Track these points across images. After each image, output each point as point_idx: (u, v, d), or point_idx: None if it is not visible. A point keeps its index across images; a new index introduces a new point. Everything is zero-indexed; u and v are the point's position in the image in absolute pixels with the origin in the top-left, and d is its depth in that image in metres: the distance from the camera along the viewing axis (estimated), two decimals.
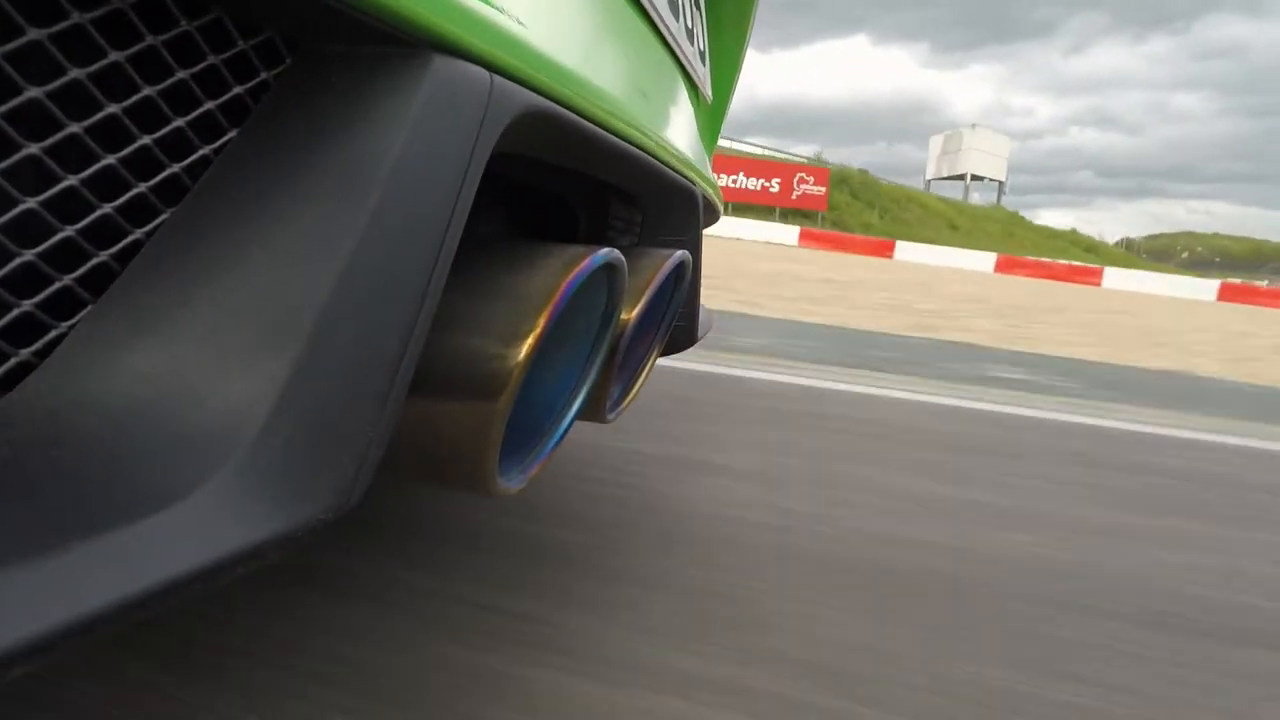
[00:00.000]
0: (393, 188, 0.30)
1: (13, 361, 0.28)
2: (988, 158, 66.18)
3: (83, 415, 0.27)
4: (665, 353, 0.91)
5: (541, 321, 0.41)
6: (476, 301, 0.42)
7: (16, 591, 0.20)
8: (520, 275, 0.43)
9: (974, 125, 66.31)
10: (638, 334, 0.75)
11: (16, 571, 0.20)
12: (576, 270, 0.44)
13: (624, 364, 0.68)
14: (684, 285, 0.76)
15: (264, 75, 0.33)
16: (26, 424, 0.27)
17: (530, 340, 0.40)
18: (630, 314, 0.59)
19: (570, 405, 0.56)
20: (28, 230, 0.27)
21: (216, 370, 0.28)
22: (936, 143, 70.79)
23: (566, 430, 0.55)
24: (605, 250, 0.47)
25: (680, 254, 0.67)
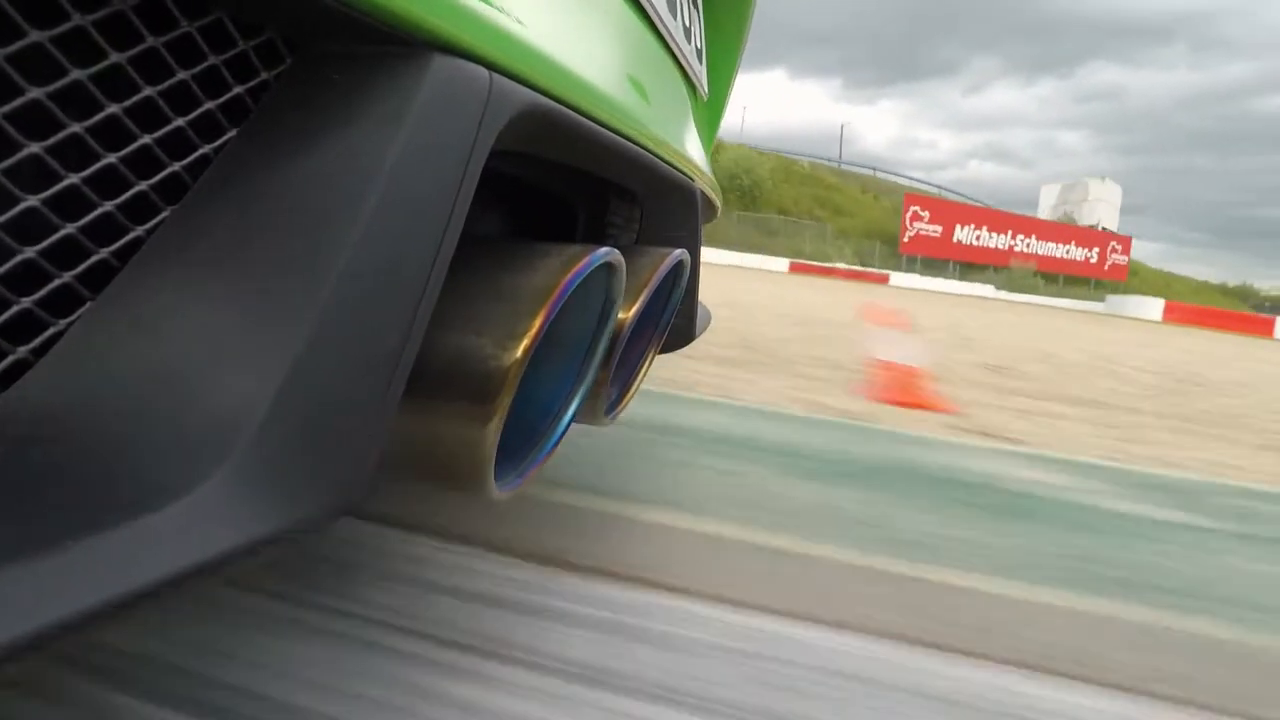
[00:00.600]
0: (392, 187, 0.30)
1: (11, 359, 0.28)
2: (1109, 208, 62.92)
3: (81, 413, 0.27)
4: (663, 350, 0.92)
5: (539, 321, 0.41)
6: (474, 301, 0.42)
7: (14, 588, 0.20)
8: (518, 275, 0.43)
9: (1103, 178, 62.25)
10: (636, 334, 0.75)
11: (14, 568, 0.20)
12: (574, 270, 0.44)
13: (622, 364, 0.68)
14: (682, 284, 0.76)
15: (264, 75, 0.33)
16: (25, 421, 0.27)
17: (528, 340, 0.40)
18: (628, 313, 0.59)
19: (567, 407, 0.55)
20: (29, 228, 0.27)
21: (215, 369, 0.28)
22: (1051, 192, 66.93)
23: (564, 433, 0.55)
24: (604, 250, 0.47)
25: (679, 253, 0.67)
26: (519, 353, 0.39)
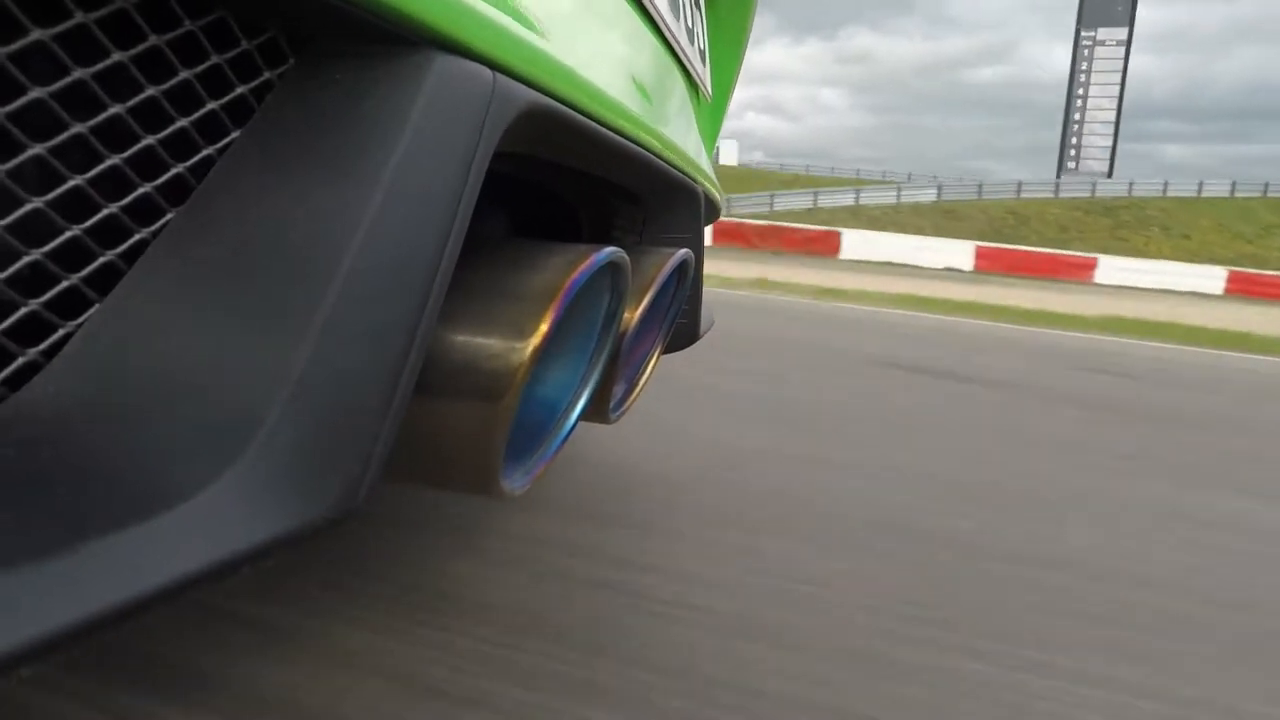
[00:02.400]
0: (396, 186, 0.30)
1: (20, 361, 0.28)
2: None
3: (90, 415, 0.27)
4: (667, 350, 0.91)
5: (546, 321, 0.41)
6: (480, 301, 0.42)
7: (24, 590, 0.20)
8: (524, 274, 0.43)
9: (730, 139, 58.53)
10: (641, 333, 0.75)
11: (24, 570, 0.20)
12: (580, 269, 0.43)
13: (627, 363, 0.68)
14: (687, 283, 0.76)
15: (267, 74, 0.33)
16: (34, 423, 0.27)
17: (535, 340, 0.40)
18: (633, 313, 0.59)
19: (574, 405, 0.55)
20: (34, 230, 0.27)
21: (223, 370, 0.28)
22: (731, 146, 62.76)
23: (571, 430, 0.55)
24: (609, 249, 0.47)
25: (683, 252, 0.67)
26: (527, 352, 0.39)
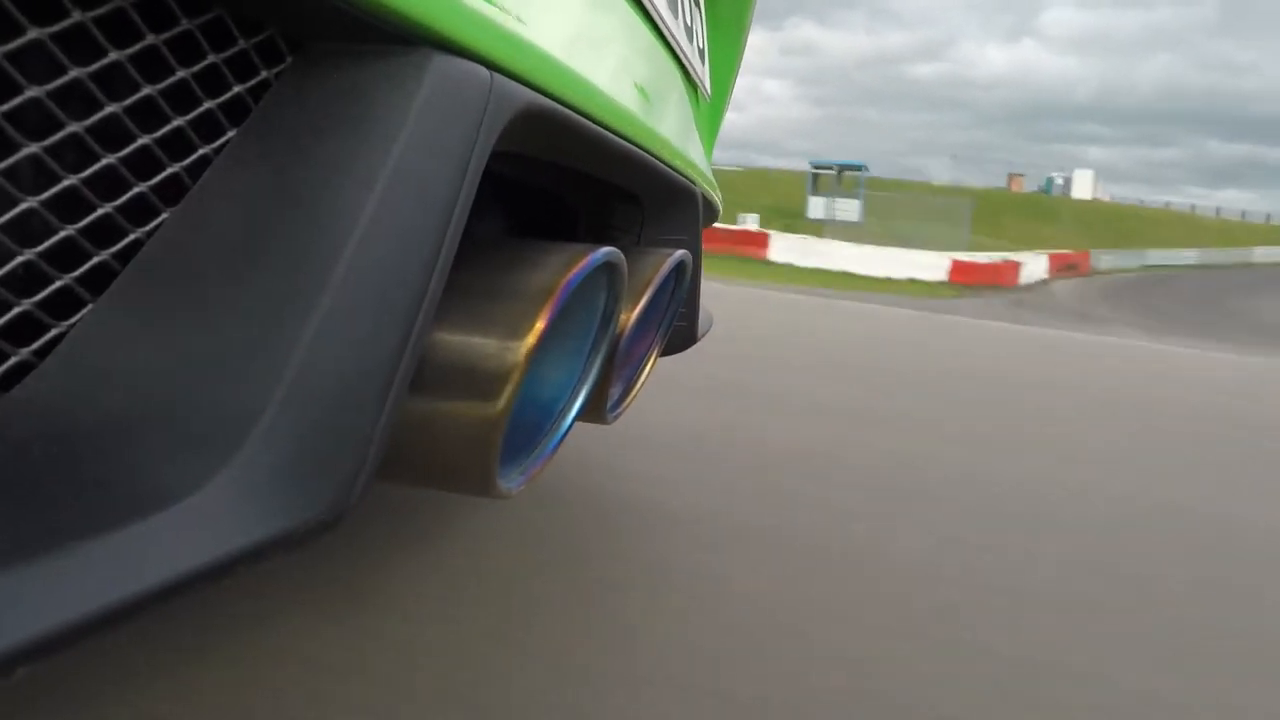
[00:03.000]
0: (393, 186, 0.30)
1: (13, 360, 0.28)
2: None
3: (83, 415, 0.27)
4: (665, 353, 0.91)
5: (541, 321, 0.41)
6: (477, 301, 0.42)
7: (18, 591, 0.20)
8: (520, 274, 0.43)
9: None
10: (638, 333, 0.75)
11: (17, 571, 0.20)
12: (576, 269, 0.43)
13: (624, 364, 0.68)
14: (684, 285, 0.76)
15: (264, 74, 0.33)
16: (27, 423, 0.27)
17: (530, 339, 0.40)
18: (630, 313, 0.59)
19: (571, 406, 0.55)
20: (28, 229, 0.27)
21: (218, 370, 0.28)
22: None
23: (567, 431, 0.55)
24: (605, 249, 0.47)
25: (680, 253, 0.67)
26: (523, 351, 0.39)
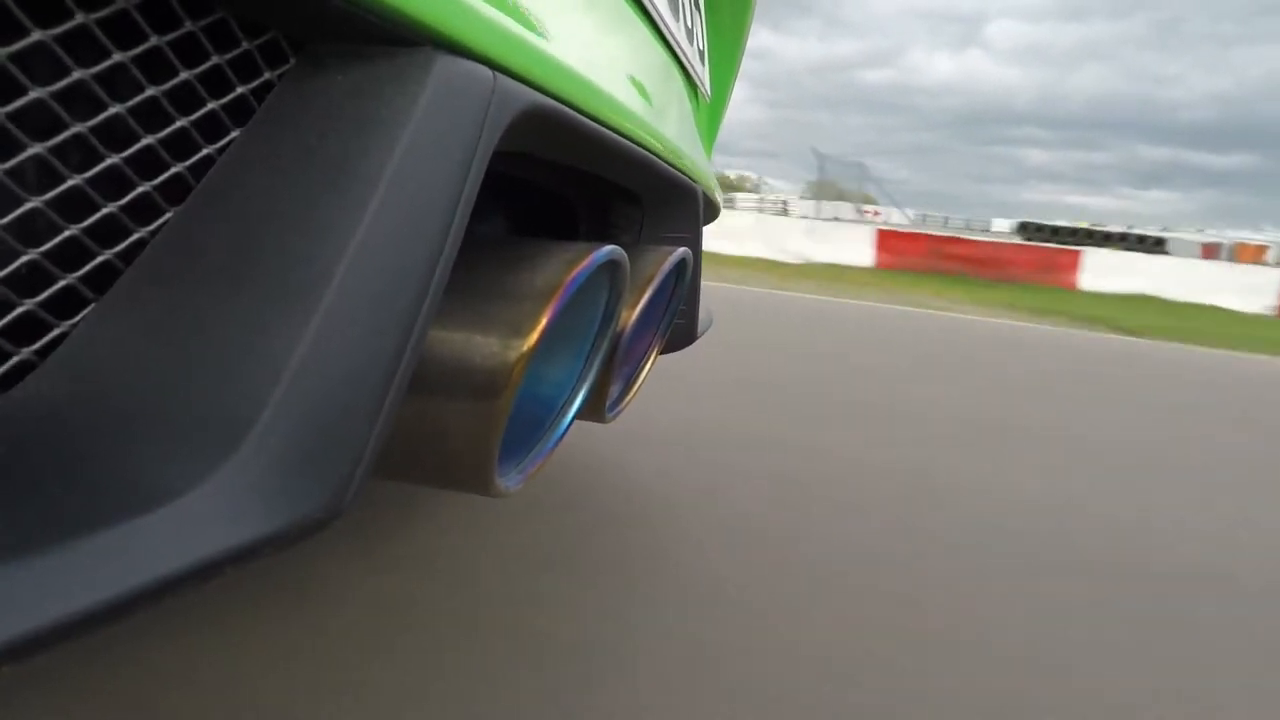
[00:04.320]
0: (396, 186, 0.30)
1: (14, 359, 0.28)
2: None
3: (84, 413, 0.27)
4: (665, 351, 0.91)
5: (543, 319, 0.41)
6: (478, 300, 0.42)
7: (13, 587, 0.20)
8: (522, 273, 0.43)
9: None
10: (638, 332, 0.75)
11: (14, 568, 0.20)
12: (578, 268, 0.44)
13: (624, 362, 0.68)
14: (684, 283, 0.76)
15: (268, 75, 0.33)
16: (27, 421, 0.27)
17: (532, 338, 0.40)
18: (631, 312, 0.59)
19: (570, 404, 0.56)
20: (32, 229, 0.27)
21: (218, 369, 0.28)
22: None
23: (566, 429, 0.55)
24: (607, 248, 0.47)
25: (681, 251, 0.67)
26: (523, 350, 0.39)
